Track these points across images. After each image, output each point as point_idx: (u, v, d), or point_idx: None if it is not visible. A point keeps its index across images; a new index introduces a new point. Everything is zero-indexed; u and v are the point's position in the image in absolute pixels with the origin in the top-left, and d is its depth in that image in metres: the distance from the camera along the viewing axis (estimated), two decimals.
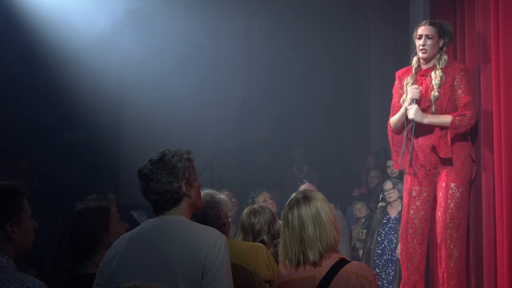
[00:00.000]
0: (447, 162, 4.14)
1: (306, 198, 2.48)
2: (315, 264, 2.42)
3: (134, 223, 4.50)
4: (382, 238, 5.76)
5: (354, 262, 2.52)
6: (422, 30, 4.21)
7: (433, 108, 4.13)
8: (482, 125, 4.09)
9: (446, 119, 4.07)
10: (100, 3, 7.23)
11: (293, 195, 2.56)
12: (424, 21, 4.29)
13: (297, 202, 2.48)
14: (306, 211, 2.44)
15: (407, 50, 6.95)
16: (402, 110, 4.24)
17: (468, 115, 4.06)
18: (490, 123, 3.92)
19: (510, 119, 3.62)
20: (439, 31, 4.22)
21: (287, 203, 2.53)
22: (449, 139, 4.06)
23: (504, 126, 3.64)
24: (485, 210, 4.01)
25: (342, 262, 2.44)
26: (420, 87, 4.14)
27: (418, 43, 4.21)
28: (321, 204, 2.46)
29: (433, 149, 4.16)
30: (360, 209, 6.51)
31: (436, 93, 4.12)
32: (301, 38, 9.13)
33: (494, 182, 3.83)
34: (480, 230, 4.10)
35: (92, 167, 8.09)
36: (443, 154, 4.09)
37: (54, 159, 7.91)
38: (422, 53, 4.19)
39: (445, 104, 4.12)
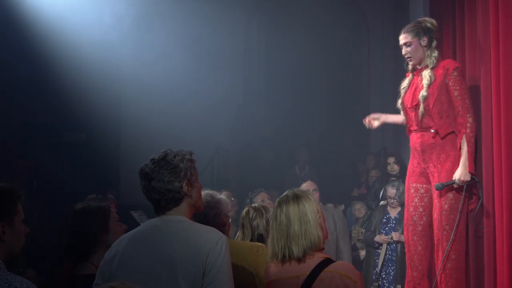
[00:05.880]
0: (438, 162, 4.13)
1: (296, 196, 2.57)
2: (299, 260, 2.47)
3: (133, 223, 4.52)
4: None
5: (339, 262, 2.55)
6: (400, 39, 4.29)
7: (421, 107, 4.15)
8: (482, 126, 4.07)
9: (468, 150, 4.03)
10: (101, 5, 7.25)
11: (285, 193, 2.64)
12: (403, 29, 4.31)
13: (286, 200, 2.57)
14: (294, 209, 2.53)
15: None
16: None
17: (469, 122, 4.04)
18: (490, 124, 3.90)
19: (510, 120, 3.60)
20: (417, 32, 4.21)
21: (277, 200, 2.62)
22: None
23: (504, 126, 3.62)
24: (485, 210, 3.99)
25: (326, 262, 2.45)
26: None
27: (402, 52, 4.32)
28: (309, 204, 2.54)
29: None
30: (359, 209, 6.51)
31: (425, 93, 4.13)
32: (301, 38, 9.14)
33: (494, 184, 3.81)
34: (480, 230, 4.08)
35: (91, 167, 8.11)
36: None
37: (54, 159, 7.93)
38: (409, 61, 4.30)
39: (431, 103, 4.11)
